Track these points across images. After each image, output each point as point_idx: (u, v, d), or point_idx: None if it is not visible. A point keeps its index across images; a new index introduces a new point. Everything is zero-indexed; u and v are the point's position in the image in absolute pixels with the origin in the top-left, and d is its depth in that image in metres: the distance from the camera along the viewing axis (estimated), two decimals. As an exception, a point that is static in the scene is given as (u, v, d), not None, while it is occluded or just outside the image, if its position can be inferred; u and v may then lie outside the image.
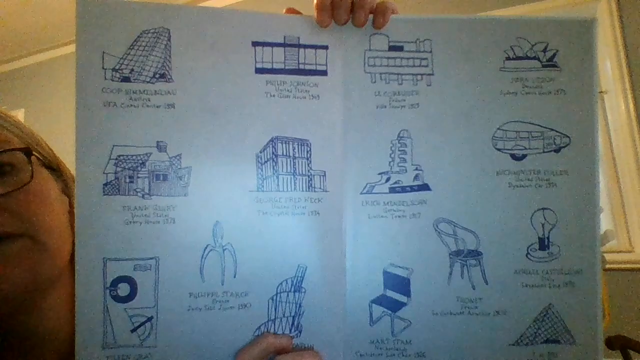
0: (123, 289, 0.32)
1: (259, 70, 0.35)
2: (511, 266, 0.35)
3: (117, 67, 0.31)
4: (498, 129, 0.36)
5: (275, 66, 0.35)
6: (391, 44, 0.37)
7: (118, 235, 0.32)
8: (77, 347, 0.33)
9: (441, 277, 0.36)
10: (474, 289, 0.35)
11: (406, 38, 0.37)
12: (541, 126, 0.36)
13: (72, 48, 3.32)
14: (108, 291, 0.32)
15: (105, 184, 0.31)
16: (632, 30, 1.98)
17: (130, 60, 0.32)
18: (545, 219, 0.36)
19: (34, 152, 0.38)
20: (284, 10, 0.37)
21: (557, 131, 0.36)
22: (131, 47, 0.32)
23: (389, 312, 0.36)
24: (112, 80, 0.31)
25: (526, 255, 0.35)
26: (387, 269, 0.36)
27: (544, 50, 0.36)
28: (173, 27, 0.33)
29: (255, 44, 0.34)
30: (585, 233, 0.35)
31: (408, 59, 0.37)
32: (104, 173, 0.31)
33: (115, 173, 0.31)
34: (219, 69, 0.33)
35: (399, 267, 0.36)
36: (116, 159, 0.32)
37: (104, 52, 0.31)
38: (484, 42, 0.37)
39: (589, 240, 0.35)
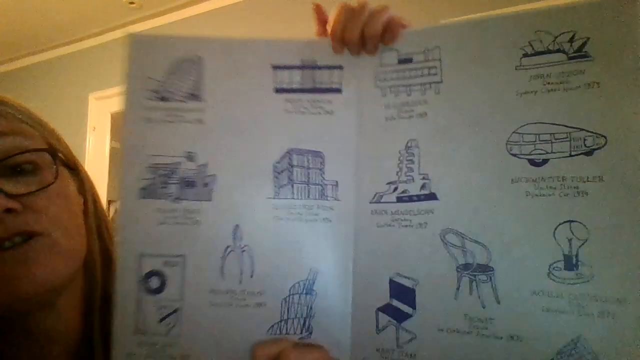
0: (154, 282, 0.37)
1: (278, 90, 0.39)
2: (528, 286, 0.31)
3: (157, 89, 0.39)
4: (513, 132, 0.33)
5: (293, 86, 0.39)
6: (400, 57, 0.38)
7: (151, 234, 0.37)
8: (113, 332, 0.36)
9: (447, 291, 0.34)
10: (484, 307, 0.32)
11: (415, 49, 0.37)
12: (567, 126, 0.31)
13: (71, 48, 3.40)
14: (142, 283, 0.37)
15: (142, 189, 0.38)
16: None
17: (169, 84, 0.39)
18: (573, 234, 0.30)
19: (58, 153, 0.39)
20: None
21: (588, 131, 0.31)
22: (170, 73, 0.39)
23: (395, 322, 0.35)
24: (152, 100, 0.38)
25: (548, 275, 0.31)
26: (394, 278, 0.36)
27: (571, 41, 0.32)
28: (205, 55, 0.39)
29: (275, 67, 0.39)
30: (630, 252, 0.29)
31: (417, 69, 0.37)
32: (141, 179, 0.38)
33: (151, 179, 0.38)
34: (243, 90, 0.39)
35: (405, 277, 0.35)
36: (152, 167, 0.37)
37: (147, 77, 0.39)
38: (496, 42, 0.34)
39: (635, 261, 0.28)
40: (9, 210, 0.34)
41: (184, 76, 0.39)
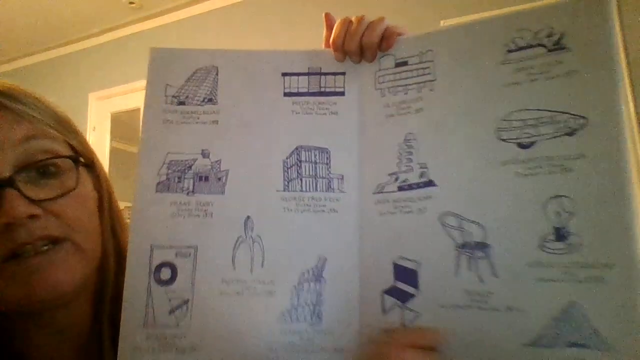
0: (165, 273, 0.38)
1: (287, 94, 0.43)
2: (523, 259, 0.33)
3: (175, 95, 0.43)
4: (502, 120, 0.36)
5: (301, 90, 0.43)
6: (397, 61, 0.42)
7: (165, 226, 0.39)
8: (122, 325, 0.36)
9: (448, 269, 0.36)
10: (482, 282, 0.34)
11: (410, 53, 0.41)
12: (550, 111, 0.34)
13: (71, 48, 3.38)
14: (152, 275, 0.38)
15: (158, 183, 0.40)
16: (632, 30, 1.89)
17: (186, 90, 0.43)
18: (561, 208, 0.33)
19: (79, 157, 0.40)
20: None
21: (569, 114, 0.34)
22: (188, 80, 0.43)
23: (399, 302, 0.37)
24: (171, 104, 0.43)
25: (540, 247, 0.33)
26: (397, 261, 0.38)
27: (549, 35, 0.35)
28: (220, 64, 0.44)
29: (284, 74, 0.43)
30: (615, 221, 0.31)
31: (412, 71, 0.41)
32: (158, 174, 0.40)
33: (167, 174, 0.41)
34: (254, 94, 0.43)
35: (408, 259, 0.38)
36: (169, 163, 0.40)
37: (167, 85, 0.43)
38: (483, 41, 0.38)
39: (619, 229, 0.30)
40: (31, 216, 0.35)
41: (201, 83, 0.43)
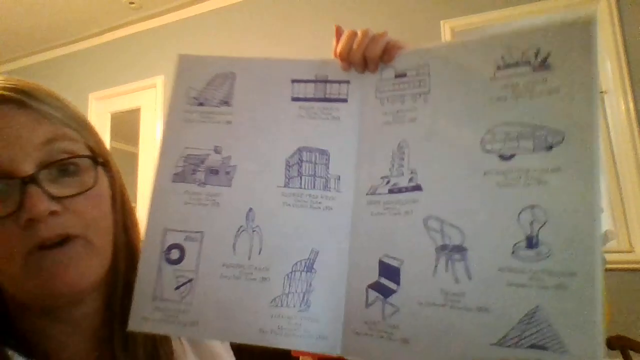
0: (174, 254, 0.42)
1: (295, 99, 0.46)
2: (495, 263, 0.35)
3: (196, 96, 0.47)
4: (487, 132, 0.38)
5: (307, 96, 0.46)
6: (397, 72, 0.44)
7: (178, 212, 0.43)
8: (134, 297, 0.40)
9: (427, 269, 0.38)
10: (457, 283, 0.37)
11: (408, 66, 0.44)
12: (531, 126, 0.37)
13: (71, 48, 3.41)
14: (164, 254, 0.42)
15: (175, 174, 0.44)
16: (632, 30, 1.94)
17: (206, 92, 0.47)
18: (534, 217, 0.35)
19: (97, 158, 0.42)
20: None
21: (549, 129, 0.36)
22: (208, 84, 0.47)
23: (382, 297, 0.40)
24: (191, 105, 0.47)
25: (512, 253, 0.35)
26: (382, 258, 0.41)
27: (536, 56, 0.38)
28: (237, 71, 0.47)
29: (293, 80, 0.47)
30: (581, 233, 0.33)
31: (409, 82, 0.43)
32: (175, 166, 0.44)
33: (183, 166, 0.45)
34: (265, 98, 0.46)
35: (392, 257, 0.40)
36: (185, 157, 0.44)
37: (189, 87, 0.47)
38: (475, 58, 0.40)
39: (585, 240, 0.32)
40: (52, 212, 0.37)
41: (219, 87, 0.47)
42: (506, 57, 0.39)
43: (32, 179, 0.37)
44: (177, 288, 0.41)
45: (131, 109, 3.24)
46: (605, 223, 1.98)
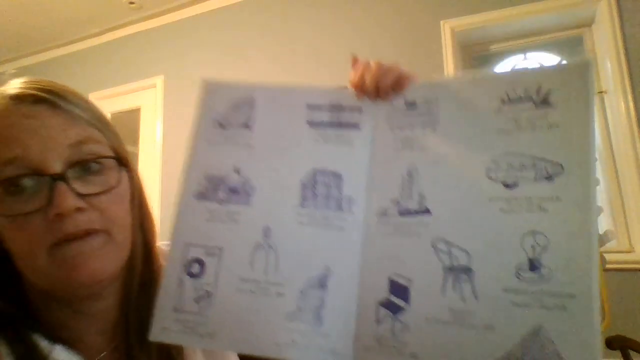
0: (195, 268, 0.44)
1: (310, 124, 0.49)
2: (500, 284, 0.38)
3: (218, 120, 0.50)
4: (492, 161, 0.41)
5: (322, 121, 0.49)
6: (407, 102, 0.47)
7: (199, 228, 0.45)
8: (156, 308, 0.42)
9: (435, 288, 0.41)
10: (464, 301, 0.39)
11: (419, 97, 0.47)
12: (533, 157, 0.40)
13: (71, 48, 3.44)
14: (185, 268, 0.44)
15: (198, 192, 0.47)
16: (632, 30, 1.97)
17: (228, 116, 0.50)
18: (536, 242, 0.38)
19: (121, 159, 0.45)
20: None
21: (549, 161, 0.39)
22: (230, 108, 0.50)
23: (391, 314, 0.42)
24: (214, 128, 0.50)
25: (516, 275, 0.38)
26: (392, 277, 0.43)
27: (538, 93, 0.41)
28: (257, 96, 0.50)
29: (309, 106, 0.50)
30: (579, 258, 0.36)
31: (419, 112, 0.47)
32: (198, 184, 0.48)
33: (206, 186, 0.47)
34: (282, 123, 0.49)
35: (402, 276, 0.43)
36: (208, 176, 0.47)
37: (213, 111, 0.50)
38: (482, 93, 0.44)
39: (583, 265, 0.35)
40: (78, 209, 0.40)
41: (240, 111, 0.50)
42: (511, 94, 0.42)
43: (61, 177, 0.40)
44: (197, 301, 0.43)
45: (131, 109, 3.25)
46: (605, 223, 2.00)
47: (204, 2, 3.07)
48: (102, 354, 0.46)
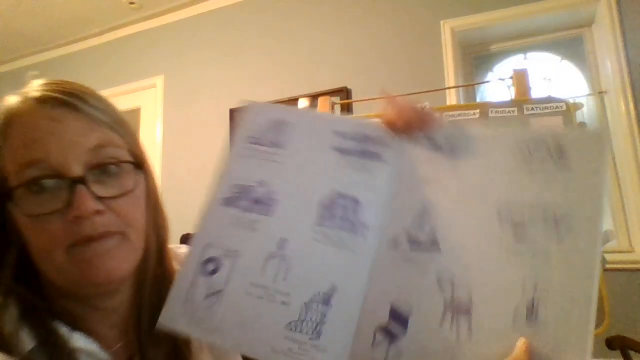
0: (210, 266, 0.46)
1: (336, 149, 0.51)
2: (496, 325, 0.40)
3: (253, 136, 0.53)
4: (503, 205, 0.44)
5: (348, 147, 0.51)
6: (432, 142, 0.49)
7: (221, 231, 0.47)
8: (168, 297, 0.43)
9: (434, 321, 0.42)
10: (458, 338, 0.41)
11: (443, 138, 0.49)
12: (543, 205, 0.42)
13: (71, 48, 3.47)
14: (201, 265, 0.46)
15: (225, 198, 0.49)
16: (632, 30, 1.98)
17: (261, 134, 0.53)
18: (536, 289, 0.39)
19: (138, 162, 0.46)
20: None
21: (559, 211, 0.41)
22: (265, 127, 0.53)
23: (388, 339, 0.44)
24: (248, 143, 0.52)
25: (512, 319, 0.39)
26: (394, 304, 0.44)
27: (556, 148, 0.43)
28: (289, 119, 0.53)
29: (336, 133, 0.52)
30: (575, 308, 0.37)
31: (442, 153, 0.49)
32: (227, 192, 0.49)
33: (232, 194, 0.49)
34: (310, 145, 0.52)
35: (403, 305, 0.44)
36: (236, 185, 0.50)
37: (249, 128, 0.53)
38: (503, 143, 0.46)
39: (577, 315, 0.37)
40: (96, 211, 0.42)
41: (272, 130, 0.54)
42: (530, 146, 0.44)
43: (81, 180, 0.42)
44: (207, 297, 0.45)
45: (131, 109, 3.25)
46: (605, 223, 2.04)
47: (204, 2, 3.07)
48: (117, 345, 0.49)
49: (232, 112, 2.90)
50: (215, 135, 2.92)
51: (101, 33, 3.40)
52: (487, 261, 0.42)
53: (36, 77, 0.49)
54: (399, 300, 0.44)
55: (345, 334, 0.44)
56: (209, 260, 0.47)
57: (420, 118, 0.49)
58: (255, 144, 0.52)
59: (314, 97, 2.23)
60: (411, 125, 0.49)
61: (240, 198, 0.50)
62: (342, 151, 0.51)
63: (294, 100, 2.59)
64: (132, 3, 3.05)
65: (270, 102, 2.86)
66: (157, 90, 3.21)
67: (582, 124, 1.42)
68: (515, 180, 0.44)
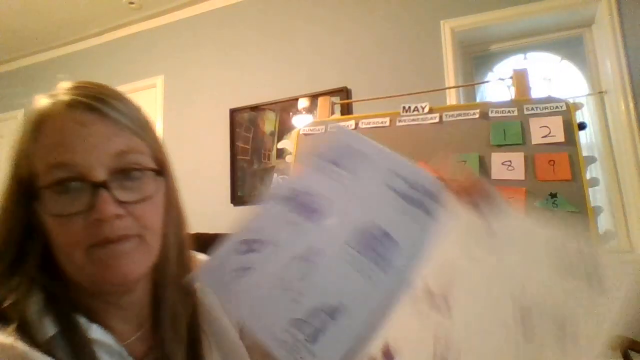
0: (247, 246, 0.50)
1: (390, 187, 0.54)
2: None
3: (334, 157, 0.56)
4: (524, 303, 0.46)
5: (403, 191, 0.54)
6: (484, 219, 0.51)
7: (269, 221, 0.52)
8: (203, 264, 0.47)
9: None
10: None
11: (495, 221, 0.51)
12: (562, 317, 0.44)
13: (71, 48, 3.48)
14: (239, 243, 0.49)
15: (284, 197, 0.53)
16: (632, 30, 1.99)
17: (328, 151, 0.57)
18: None
19: (160, 169, 0.48)
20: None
21: (572, 324, 0.44)
22: (345, 152, 0.56)
23: None
24: (328, 162, 0.55)
25: None
26: (390, 342, 0.47)
27: (592, 269, 0.46)
28: (365, 150, 0.56)
29: (394, 172, 0.55)
30: None
31: (488, 233, 0.51)
32: (288, 192, 0.53)
33: (292, 195, 0.53)
34: (366, 176, 0.55)
35: (398, 346, 0.47)
36: (298, 189, 0.53)
37: (321, 145, 0.57)
38: (543, 244, 0.49)
39: None
40: (117, 215, 0.44)
41: (338, 151, 0.57)
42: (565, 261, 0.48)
43: (103, 185, 0.43)
44: (237, 270, 0.49)
45: (131, 108, 3.24)
46: (605, 223, 2.01)
47: (204, 2, 3.07)
48: (131, 338, 0.51)
49: (232, 112, 2.91)
50: (215, 135, 2.92)
51: (101, 33, 3.40)
52: (498, 351, 0.45)
53: (64, 78, 0.50)
54: (396, 340, 0.47)
55: (338, 350, 0.46)
56: (250, 241, 0.51)
57: (488, 199, 0.50)
58: (334, 164, 0.56)
59: (314, 97, 2.23)
60: (472, 199, 0.51)
61: (295, 200, 0.54)
62: (397, 192, 0.54)
63: (294, 100, 2.60)
64: (132, 3, 3.05)
65: (270, 102, 2.90)
66: (157, 90, 3.21)
67: (582, 124, 1.41)
68: (543, 282, 0.47)
